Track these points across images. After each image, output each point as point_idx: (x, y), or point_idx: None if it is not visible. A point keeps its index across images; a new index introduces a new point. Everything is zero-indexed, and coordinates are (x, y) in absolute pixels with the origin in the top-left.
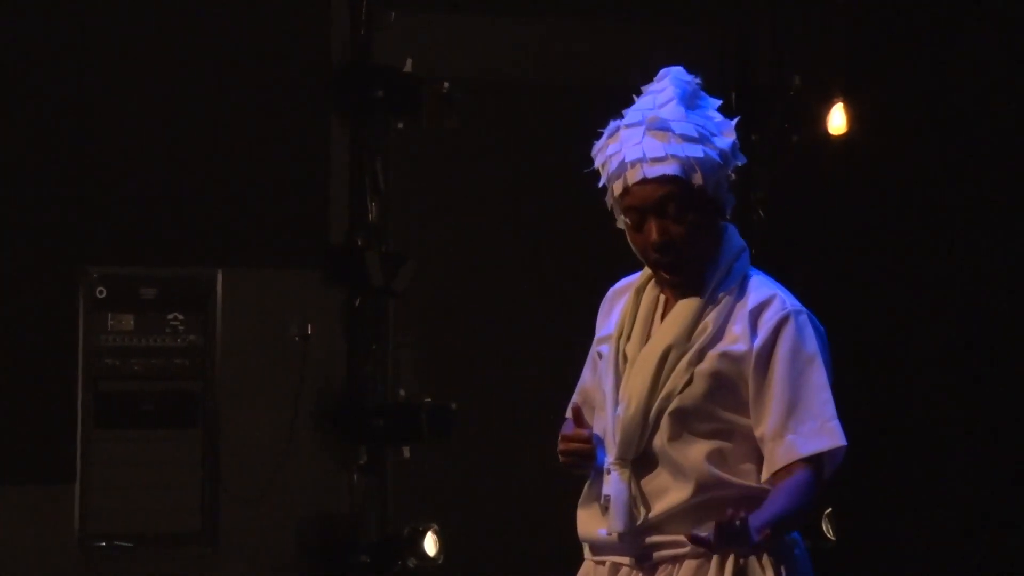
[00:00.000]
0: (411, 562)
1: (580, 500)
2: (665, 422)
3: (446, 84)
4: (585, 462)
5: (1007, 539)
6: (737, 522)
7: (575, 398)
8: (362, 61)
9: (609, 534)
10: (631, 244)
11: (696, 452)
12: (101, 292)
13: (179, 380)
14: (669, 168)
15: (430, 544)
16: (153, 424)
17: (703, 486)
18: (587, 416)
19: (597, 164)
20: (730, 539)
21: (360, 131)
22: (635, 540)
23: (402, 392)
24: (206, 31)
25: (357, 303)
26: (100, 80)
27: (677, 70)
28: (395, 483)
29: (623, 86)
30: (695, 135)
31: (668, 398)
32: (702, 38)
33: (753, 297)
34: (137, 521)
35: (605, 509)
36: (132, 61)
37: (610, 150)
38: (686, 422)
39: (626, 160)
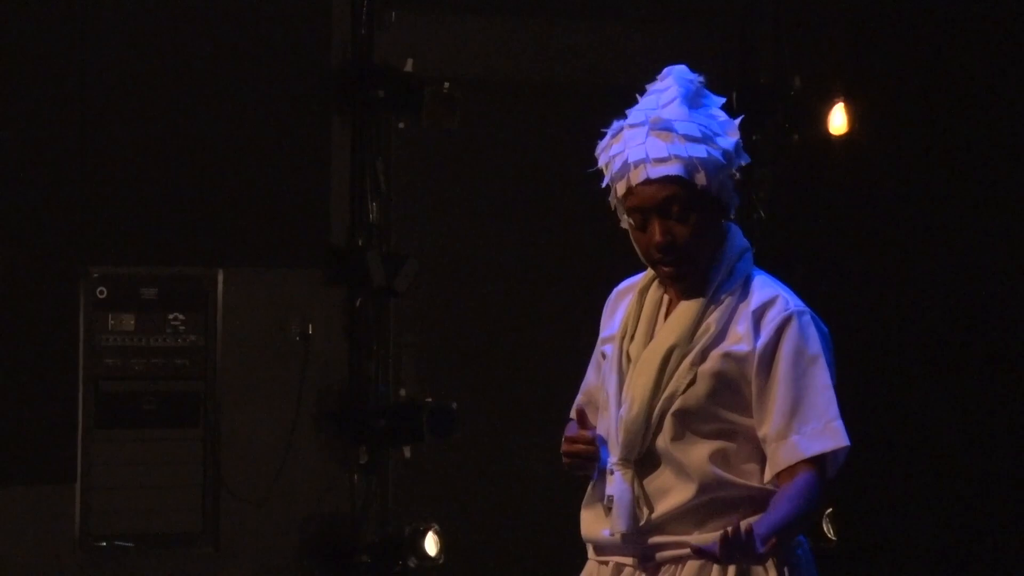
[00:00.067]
0: (411, 562)
1: (584, 500)
2: (668, 422)
3: (447, 84)
4: (588, 464)
5: (1007, 539)
6: (743, 533)
7: (579, 398)
8: (363, 61)
9: (612, 534)
10: (634, 244)
11: (699, 452)
12: (102, 292)
13: (180, 380)
14: (672, 169)
15: (430, 544)
16: (154, 424)
17: (706, 486)
18: (591, 416)
19: (600, 164)
20: (736, 551)
21: (361, 131)
22: (638, 540)
23: (403, 392)
24: (207, 32)
25: (358, 303)
26: (101, 81)
27: (680, 69)
28: (396, 483)
29: (624, 86)
30: (698, 135)
31: (671, 398)
32: (703, 38)
33: (756, 297)
34: (138, 521)
35: (608, 510)
36: (133, 62)
37: (613, 150)
38: (689, 422)
39: (629, 160)
